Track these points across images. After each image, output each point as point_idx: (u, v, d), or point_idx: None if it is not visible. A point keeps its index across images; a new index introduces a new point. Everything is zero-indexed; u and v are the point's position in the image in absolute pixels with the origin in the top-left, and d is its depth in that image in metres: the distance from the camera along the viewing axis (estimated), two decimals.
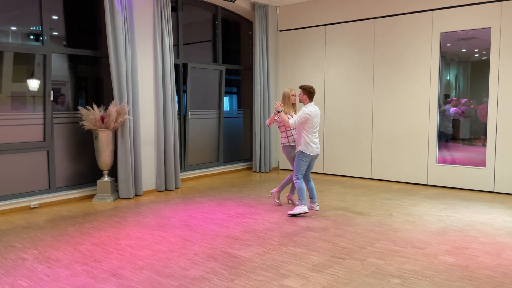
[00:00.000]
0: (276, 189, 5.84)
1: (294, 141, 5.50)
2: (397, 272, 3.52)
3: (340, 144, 8.04)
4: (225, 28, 8.53)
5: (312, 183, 5.54)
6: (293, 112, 5.57)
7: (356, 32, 7.71)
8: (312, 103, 5.26)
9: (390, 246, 4.14)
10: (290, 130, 5.51)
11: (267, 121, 5.63)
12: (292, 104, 5.58)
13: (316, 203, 5.51)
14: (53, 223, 5.01)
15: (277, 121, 5.47)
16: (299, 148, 5.25)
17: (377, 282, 3.32)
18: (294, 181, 5.32)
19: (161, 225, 4.88)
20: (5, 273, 3.55)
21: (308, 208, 5.51)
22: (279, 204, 5.77)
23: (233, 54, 8.92)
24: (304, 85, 5.28)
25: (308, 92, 5.22)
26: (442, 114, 7.05)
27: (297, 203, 5.63)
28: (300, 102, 5.34)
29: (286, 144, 5.55)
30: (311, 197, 5.51)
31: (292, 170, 5.76)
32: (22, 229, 4.78)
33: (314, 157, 5.34)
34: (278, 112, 5.34)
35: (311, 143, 5.19)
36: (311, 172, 5.70)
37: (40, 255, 3.96)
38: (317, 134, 5.27)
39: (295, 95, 5.57)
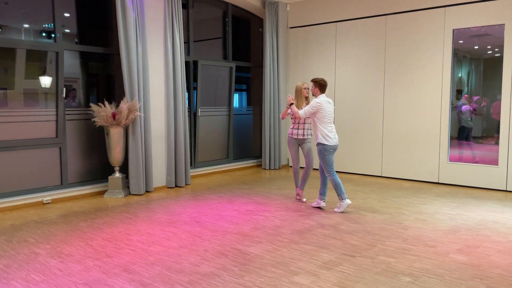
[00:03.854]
0: (298, 189, 5.90)
1: (300, 135, 5.65)
2: (408, 270, 3.50)
3: (350, 142, 8.01)
4: (235, 25, 8.53)
5: (327, 180, 5.44)
6: (305, 105, 5.59)
7: (367, 29, 7.66)
8: (323, 95, 5.30)
9: (401, 244, 4.12)
10: (303, 123, 5.64)
11: (281, 114, 5.83)
12: (306, 97, 5.69)
13: (324, 200, 5.44)
14: (66, 218, 5.07)
15: (290, 114, 5.60)
16: (318, 141, 5.24)
17: (387, 280, 3.31)
18: (328, 178, 5.31)
19: (172, 221, 4.92)
20: (18, 267, 3.60)
21: (315, 205, 5.50)
22: (305, 201, 5.81)
23: (243, 51, 8.92)
24: (315, 78, 5.36)
25: (320, 85, 5.28)
26: (458, 109, 6.98)
27: (304, 200, 5.83)
28: (313, 95, 5.42)
29: (290, 135, 5.74)
30: (321, 193, 5.44)
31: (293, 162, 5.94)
32: (35, 224, 4.84)
33: (334, 149, 5.28)
34: (290, 105, 5.47)
35: (329, 134, 5.19)
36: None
37: (52, 250, 4.01)
38: (333, 125, 5.27)
39: (307, 88, 5.68)
